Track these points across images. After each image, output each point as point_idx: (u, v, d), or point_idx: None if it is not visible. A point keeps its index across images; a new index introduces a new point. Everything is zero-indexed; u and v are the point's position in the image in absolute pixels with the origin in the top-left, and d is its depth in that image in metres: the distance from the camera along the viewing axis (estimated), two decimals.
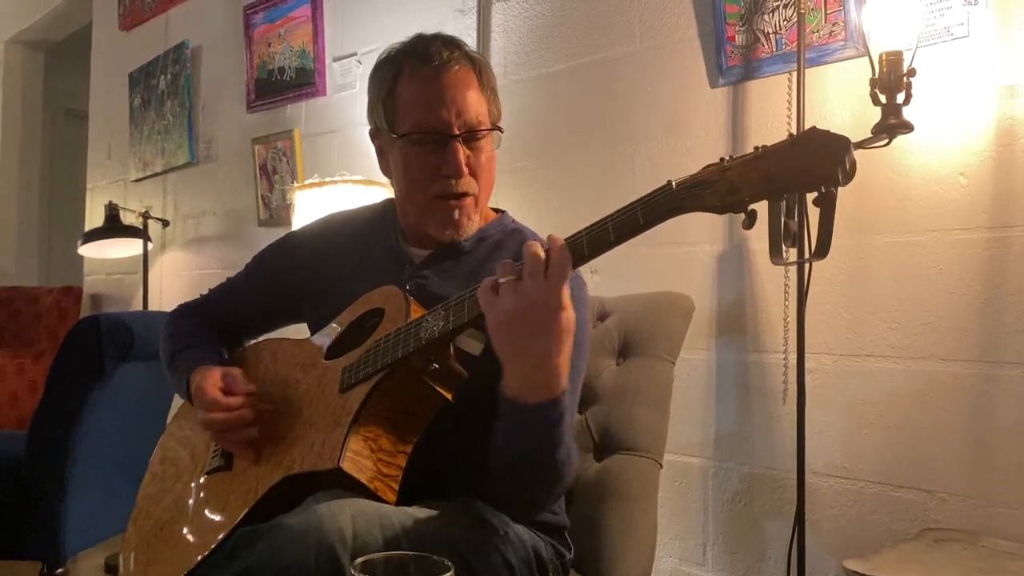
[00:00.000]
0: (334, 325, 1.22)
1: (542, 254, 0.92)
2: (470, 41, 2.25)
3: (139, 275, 3.41)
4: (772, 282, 1.73)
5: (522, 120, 2.18)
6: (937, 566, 1.28)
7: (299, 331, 1.34)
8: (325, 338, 1.22)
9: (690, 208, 0.88)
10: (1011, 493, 1.42)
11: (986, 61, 1.45)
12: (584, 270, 1.22)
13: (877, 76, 1.45)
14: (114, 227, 3.36)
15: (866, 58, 1.48)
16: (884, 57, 1.44)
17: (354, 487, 1.01)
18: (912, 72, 1.42)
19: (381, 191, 2.20)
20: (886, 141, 1.48)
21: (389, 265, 1.26)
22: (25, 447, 2.00)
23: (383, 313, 1.15)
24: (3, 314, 3.72)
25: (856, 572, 1.25)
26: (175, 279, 3.49)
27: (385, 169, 1.29)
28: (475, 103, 1.19)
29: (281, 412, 1.17)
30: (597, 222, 0.94)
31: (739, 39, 1.78)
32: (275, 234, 2.79)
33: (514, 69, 2.24)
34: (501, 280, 0.94)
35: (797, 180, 0.82)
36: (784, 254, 0.92)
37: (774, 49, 1.72)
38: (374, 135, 1.29)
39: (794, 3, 1.65)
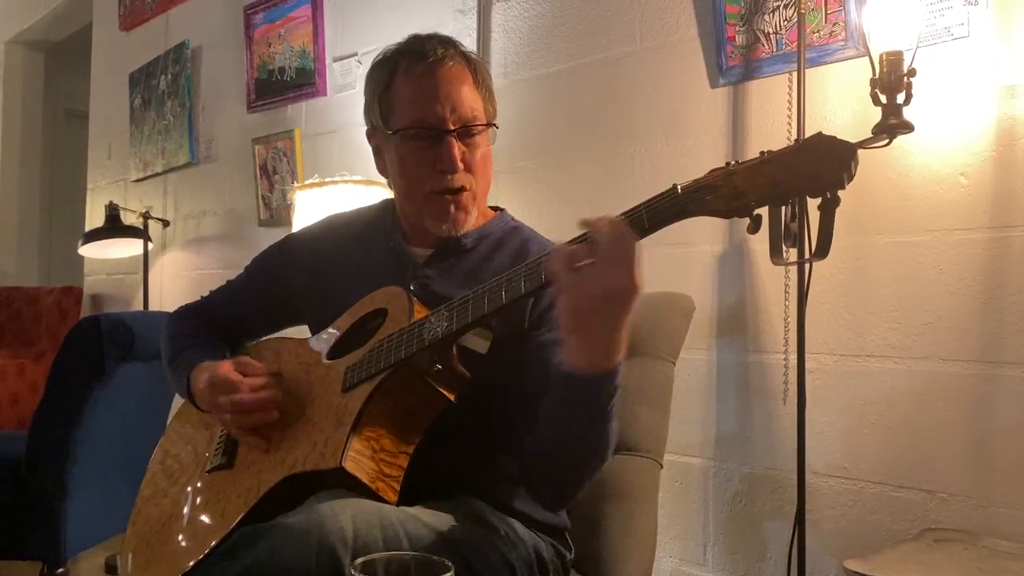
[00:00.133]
0: (332, 331, 1.22)
1: (626, 237, 0.89)
2: (470, 41, 2.27)
3: (139, 275, 3.42)
4: (772, 282, 1.73)
5: (522, 120, 2.18)
6: (938, 566, 1.28)
7: (300, 332, 1.34)
8: (323, 344, 1.22)
9: (695, 212, 0.88)
10: (1012, 493, 1.42)
11: (986, 61, 1.45)
12: None
13: (877, 76, 1.45)
14: (114, 227, 3.36)
15: (866, 58, 1.48)
16: (884, 57, 1.44)
17: (356, 487, 1.01)
18: (912, 72, 1.42)
19: (381, 191, 2.20)
20: (886, 141, 1.48)
21: (391, 266, 1.26)
22: (25, 447, 2.00)
23: (386, 313, 1.15)
24: (3, 314, 3.72)
25: (856, 572, 1.25)
26: (175, 279, 3.50)
27: (382, 168, 1.29)
28: (470, 99, 1.19)
29: (284, 411, 1.17)
30: None
31: (739, 39, 1.78)
32: (275, 234, 2.79)
33: (514, 69, 2.24)
34: (581, 263, 0.90)
35: (803, 185, 0.82)
36: (784, 254, 0.92)
37: (774, 49, 1.72)
38: (371, 134, 1.29)
39: (794, 3, 1.65)
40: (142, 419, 2.21)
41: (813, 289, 1.61)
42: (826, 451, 1.64)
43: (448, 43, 1.22)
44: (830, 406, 1.64)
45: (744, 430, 1.78)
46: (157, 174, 3.62)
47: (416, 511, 1.04)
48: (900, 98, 1.43)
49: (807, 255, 1.46)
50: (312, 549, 0.88)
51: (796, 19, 1.62)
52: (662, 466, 1.42)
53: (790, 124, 1.67)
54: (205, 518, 1.16)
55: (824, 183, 0.81)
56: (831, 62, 1.64)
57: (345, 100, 2.74)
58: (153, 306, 3.42)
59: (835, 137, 0.81)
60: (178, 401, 1.42)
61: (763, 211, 0.86)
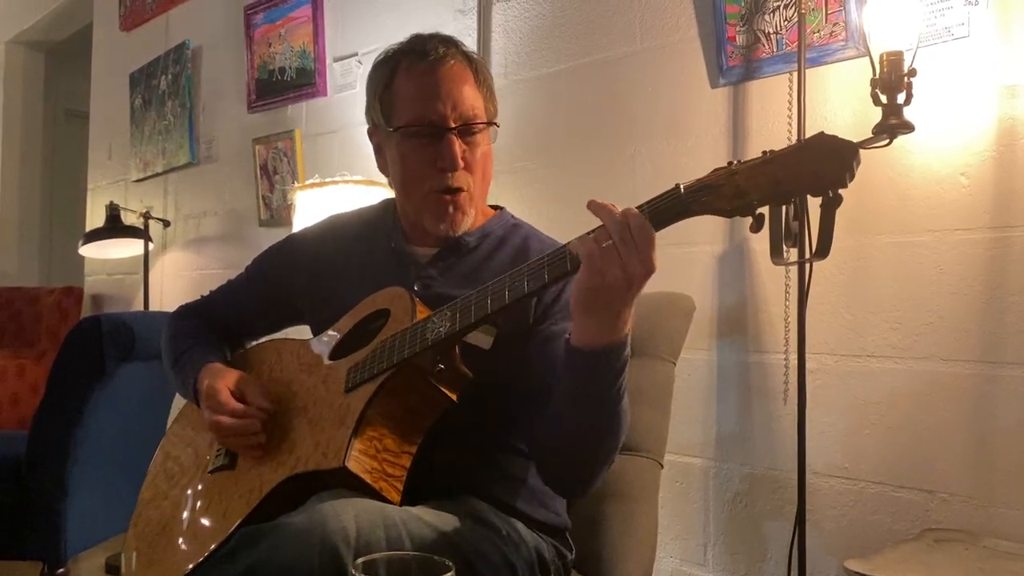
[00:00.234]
0: (332, 333, 1.22)
1: (650, 230, 0.90)
2: (470, 41, 2.27)
3: (140, 275, 3.42)
4: (773, 282, 1.73)
5: (522, 120, 2.18)
6: (938, 566, 1.28)
7: (301, 332, 1.34)
8: (325, 345, 1.22)
9: (697, 212, 0.88)
10: (1012, 493, 1.42)
11: (987, 61, 1.45)
12: None
13: (878, 76, 1.45)
14: (115, 227, 3.36)
15: (867, 58, 1.48)
16: (885, 57, 1.44)
17: (359, 487, 1.01)
18: (913, 72, 1.42)
19: (382, 191, 2.20)
20: (887, 141, 1.48)
21: (392, 266, 1.26)
22: (26, 447, 2.00)
23: (389, 314, 1.15)
24: (4, 315, 3.72)
25: (857, 572, 1.25)
26: (176, 279, 3.50)
27: (383, 167, 1.29)
28: (471, 97, 1.19)
29: (286, 411, 1.17)
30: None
31: (740, 39, 1.78)
32: (276, 234, 2.79)
33: (514, 69, 2.24)
34: (605, 244, 0.91)
35: (805, 184, 0.83)
36: (785, 254, 0.92)
37: (775, 49, 1.72)
38: (372, 133, 1.29)
39: (795, 3, 1.65)
40: (142, 419, 2.21)
41: (814, 289, 1.61)
42: (827, 451, 1.64)
43: (450, 42, 1.22)
44: (831, 406, 1.64)
45: (744, 430, 1.78)
46: (157, 174, 3.62)
47: (418, 511, 1.04)
48: (900, 98, 1.43)
49: (808, 255, 1.46)
50: (315, 549, 0.88)
51: (796, 19, 1.62)
52: (662, 466, 1.42)
53: (790, 124, 1.67)
54: (207, 519, 1.16)
55: (826, 182, 0.81)
56: (831, 62, 1.64)
57: (345, 100, 2.74)
58: (154, 306, 3.42)
59: (837, 136, 0.81)
60: (178, 401, 1.42)
61: (765, 210, 0.87)
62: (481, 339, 1.08)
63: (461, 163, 1.18)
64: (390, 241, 1.29)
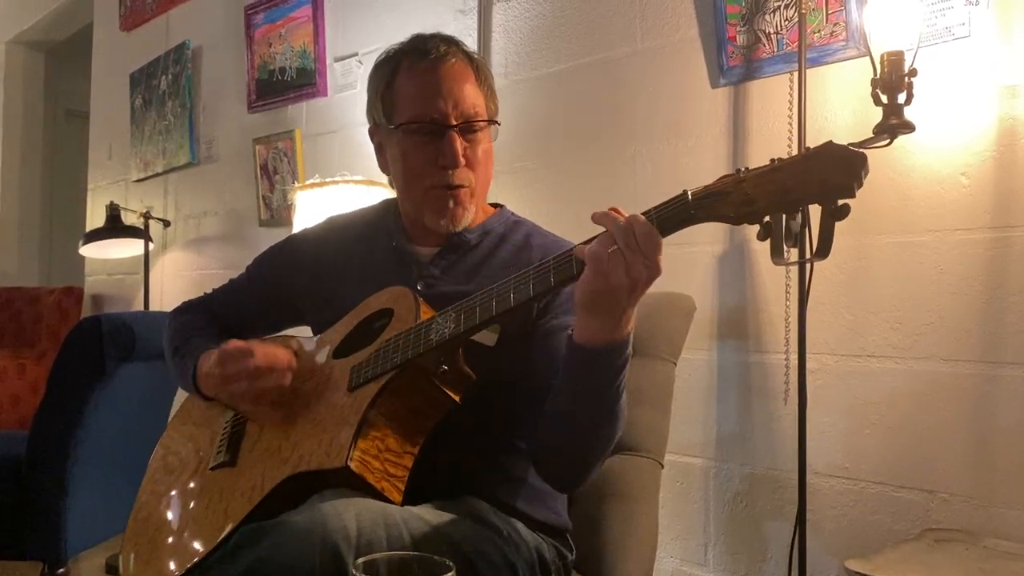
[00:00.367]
0: (334, 338, 1.22)
1: (657, 236, 0.90)
2: (471, 41, 2.27)
3: (140, 275, 3.42)
4: (773, 282, 1.73)
5: (523, 120, 2.18)
6: (938, 566, 1.28)
7: (302, 332, 1.34)
8: (328, 344, 1.22)
9: (704, 219, 0.89)
10: (1013, 493, 1.42)
11: (987, 61, 1.46)
12: None
13: (878, 76, 1.45)
14: (115, 227, 3.36)
15: (867, 58, 1.48)
16: (885, 57, 1.44)
17: (361, 487, 1.01)
18: (913, 72, 1.42)
19: (382, 191, 2.20)
20: (887, 141, 1.48)
21: (394, 266, 1.26)
22: (26, 447, 2.00)
23: (392, 314, 1.15)
24: (4, 315, 3.72)
25: (857, 572, 1.25)
26: (176, 279, 3.50)
27: (384, 165, 1.29)
28: (472, 95, 1.20)
29: (289, 409, 1.17)
30: None
31: (740, 39, 1.78)
32: (276, 234, 2.79)
33: (515, 69, 2.24)
34: (610, 249, 0.91)
35: (813, 193, 0.83)
36: (785, 254, 0.92)
37: (775, 49, 1.72)
38: (373, 132, 1.29)
39: (795, 3, 1.65)
40: (143, 419, 2.21)
41: (814, 289, 1.61)
42: (827, 451, 1.64)
43: (451, 41, 1.23)
44: (831, 406, 1.64)
45: (745, 430, 1.78)
46: (158, 174, 3.62)
47: (419, 510, 1.04)
48: (901, 98, 1.43)
49: (808, 255, 1.46)
50: (316, 548, 0.88)
51: (797, 19, 1.62)
52: (663, 466, 1.42)
53: (791, 124, 1.67)
54: (208, 517, 1.16)
55: (834, 191, 0.81)
56: (832, 62, 1.64)
57: (346, 100, 2.74)
58: (154, 306, 3.42)
59: (846, 146, 0.81)
60: (179, 401, 1.42)
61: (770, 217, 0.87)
62: (485, 336, 1.09)
63: (462, 160, 1.18)
64: (391, 240, 1.29)
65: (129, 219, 3.44)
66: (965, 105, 1.48)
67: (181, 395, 1.40)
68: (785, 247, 0.91)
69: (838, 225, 0.86)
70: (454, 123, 1.18)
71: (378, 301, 1.19)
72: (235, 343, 1.18)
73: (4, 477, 2.00)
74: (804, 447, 1.58)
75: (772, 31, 1.72)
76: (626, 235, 0.90)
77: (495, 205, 1.34)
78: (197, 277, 3.38)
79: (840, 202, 0.83)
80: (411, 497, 1.05)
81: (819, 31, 1.63)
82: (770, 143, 1.72)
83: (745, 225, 0.89)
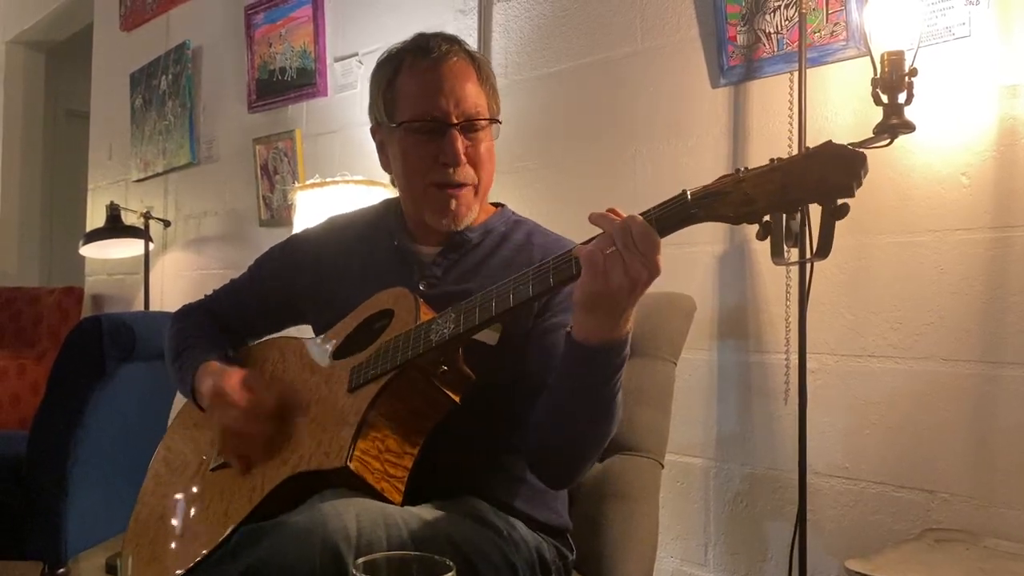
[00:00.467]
0: (335, 338, 1.22)
1: (655, 236, 0.90)
2: (471, 41, 2.26)
3: (140, 275, 3.42)
4: (774, 282, 1.73)
5: (523, 120, 2.18)
6: (939, 566, 1.28)
7: (303, 332, 1.34)
8: (328, 344, 1.22)
9: (704, 219, 0.89)
10: (1013, 493, 1.42)
11: (988, 61, 1.45)
12: None
13: (879, 76, 1.45)
14: (115, 227, 3.36)
15: (868, 58, 1.48)
16: (886, 57, 1.44)
17: (360, 487, 1.01)
18: (914, 72, 1.42)
19: (382, 191, 2.20)
20: (888, 141, 1.48)
21: (395, 265, 1.26)
22: (26, 447, 2.00)
23: (392, 314, 1.15)
24: (4, 315, 3.72)
25: (858, 572, 1.25)
26: (176, 279, 3.50)
27: (385, 164, 1.30)
28: (474, 94, 1.20)
29: (289, 410, 1.17)
30: None
31: (740, 39, 1.78)
32: (276, 234, 2.79)
33: (515, 69, 2.24)
34: (607, 251, 0.91)
35: (812, 192, 0.83)
36: (786, 254, 0.92)
37: (775, 49, 1.72)
38: (375, 131, 1.30)
39: (795, 3, 1.65)
40: (143, 419, 2.21)
41: (814, 289, 1.61)
42: (827, 451, 1.64)
43: (453, 40, 1.23)
44: (831, 406, 1.64)
45: (745, 430, 1.77)
46: (158, 174, 3.62)
47: (419, 510, 1.04)
48: (901, 98, 1.43)
49: (808, 255, 1.46)
50: (316, 548, 0.88)
51: (797, 19, 1.62)
52: (663, 466, 1.42)
53: (791, 124, 1.67)
54: (208, 517, 1.16)
55: (833, 190, 0.81)
56: (832, 62, 1.64)
57: (346, 100, 2.74)
58: (154, 306, 3.42)
59: (845, 145, 0.81)
60: (179, 401, 1.42)
61: (769, 217, 0.87)
62: (487, 334, 1.09)
63: (463, 158, 1.18)
64: (393, 240, 1.29)
65: (129, 219, 3.44)
66: (965, 105, 1.48)
67: (181, 396, 1.40)
68: (785, 247, 0.91)
69: (838, 225, 0.86)
70: (455, 121, 1.18)
71: (378, 302, 1.19)
72: (226, 384, 1.18)
73: (4, 477, 2.00)
74: (804, 447, 1.58)
75: (772, 31, 1.72)
76: (624, 235, 0.90)
77: (496, 204, 1.34)
78: (197, 277, 3.38)
79: (840, 201, 0.83)
80: (411, 497, 1.05)
81: (819, 31, 1.63)
82: (770, 143, 1.72)
83: (745, 225, 0.89)
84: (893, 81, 1.43)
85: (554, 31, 2.15)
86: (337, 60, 2.78)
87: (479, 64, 1.23)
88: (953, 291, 1.50)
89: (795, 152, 1.48)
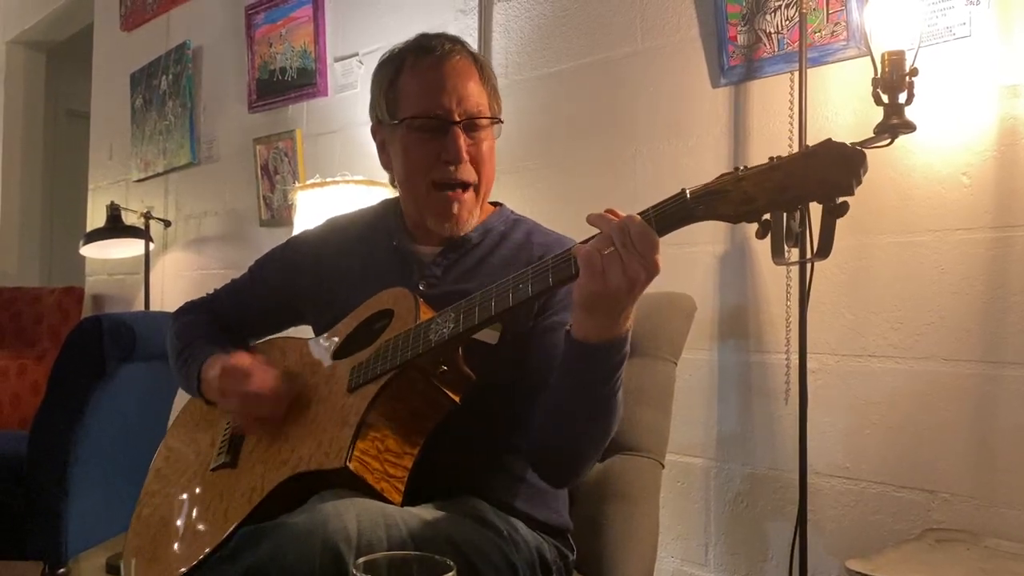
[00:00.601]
0: (334, 338, 1.22)
1: (653, 235, 0.90)
2: (471, 41, 2.25)
3: (141, 275, 3.42)
4: (774, 282, 1.73)
5: (523, 120, 2.18)
6: (940, 566, 1.28)
7: (304, 332, 1.34)
8: (329, 345, 1.22)
9: (703, 217, 0.88)
10: (1014, 493, 1.42)
11: (988, 61, 1.45)
12: None
13: (879, 76, 1.45)
14: (116, 227, 3.36)
15: (868, 58, 1.48)
16: (886, 57, 1.44)
17: (360, 487, 1.01)
18: (914, 72, 1.42)
19: (382, 191, 2.20)
20: (888, 141, 1.48)
21: (395, 265, 1.26)
22: (27, 447, 2.00)
23: (392, 314, 1.15)
24: (5, 315, 3.72)
25: (858, 572, 1.25)
26: (177, 279, 3.50)
27: (386, 163, 1.29)
28: (476, 93, 1.20)
29: (289, 410, 1.17)
30: None
31: (741, 39, 1.77)
32: (276, 234, 2.79)
33: (515, 69, 2.24)
34: (605, 251, 0.91)
35: (812, 191, 0.83)
36: (786, 254, 0.92)
37: (776, 49, 1.72)
38: (375, 130, 1.29)
39: (796, 3, 1.64)
40: (143, 419, 2.21)
41: (815, 289, 1.60)
42: (828, 451, 1.64)
43: (455, 40, 1.24)
44: (832, 406, 1.64)
45: (746, 430, 1.77)
46: (158, 174, 3.62)
47: (419, 511, 1.04)
48: (902, 98, 1.43)
49: (809, 255, 1.46)
50: (316, 549, 0.88)
51: (798, 19, 1.62)
52: (663, 466, 1.42)
53: (792, 124, 1.67)
54: (208, 517, 1.16)
55: (833, 189, 0.81)
56: (833, 62, 1.63)
57: (346, 100, 2.74)
58: (154, 306, 3.42)
59: (845, 144, 0.81)
60: (179, 401, 1.42)
61: (769, 215, 0.87)
62: (487, 334, 1.09)
63: (465, 156, 1.18)
64: (392, 240, 1.29)
65: (130, 219, 3.44)
66: (966, 105, 1.48)
67: (182, 395, 1.40)
68: (786, 247, 0.91)
69: (839, 225, 0.86)
70: (458, 119, 1.18)
71: (378, 302, 1.19)
72: (237, 360, 1.19)
73: (5, 477, 2.00)
74: (805, 447, 1.57)
75: (773, 31, 1.72)
76: (622, 235, 0.90)
77: (495, 204, 1.34)
78: (198, 277, 3.38)
79: (840, 200, 0.83)
80: (411, 497, 1.05)
81: (820, 31, 1.63)
82: (771, 143, 1.71)
83: (745, 224, 0.88)
84: (894, 81, 1.43)
85: (554, 31, 2.15)
86: (337, 60, 2.78)
87: (481, 64, 1.23)
88: (954, 291, 1.49)
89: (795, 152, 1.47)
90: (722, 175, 0.88)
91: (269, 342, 1.38)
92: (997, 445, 1.44)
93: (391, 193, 1.40)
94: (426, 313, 1.11)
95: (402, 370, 1.05)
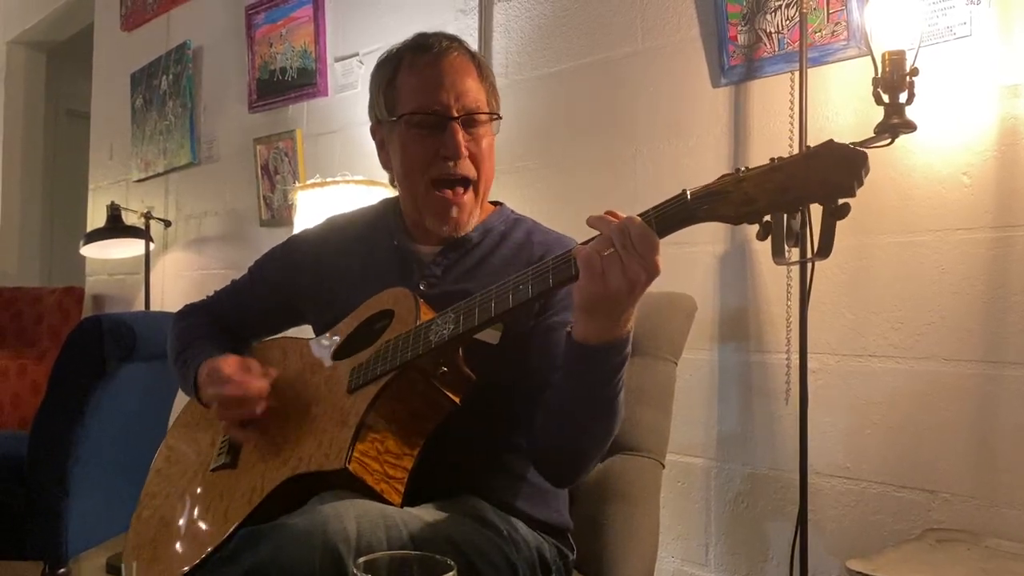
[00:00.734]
0: (335, 337, 1.22)
1: (653, 236, 0.90)
2: (472, 41, 2.26)
3: (141, 275, 3.42)
4: (775, 282, 1.73)
5: (523, 120, 2.18)
6: (940, 566, 1.28)
7: (304, 332, 1.34)
8: (329, 345, 1.22)
9: (704, 218, 0.88)
10: (1014, 493, 1.42)
11: (989, 61, 1.45)
12: None
13: (880, 75, 1.45)
14: (116, 227, 3.36)
15: (868, 57, 1.48)
16: (887, 56, 1.44)
17: (360, 488, 1.01)
18: (915, 71, 1.42)
19: (382, 191, 2.20)
20: (889, 141, 1.48)
21: (395, 265, 1.26)
22: (27, 447, 2.00)
23: (393, 315, 1.15)
24: (5, 315, 3.72)
25: (859, 572, 1.25)
26: (177, 279, 3.50)
27: (385, 163, 1.29)
28: (474, 90, 1.20)
29: (289, 410, 1.17)
30: None
31: (741, 39, 1.77)
32: (277, 234, 2.79)
33: (516, 69, 2.23)
34: (605, 252, 0.91)
35: (813, 192, 0.83)
36: (787, 254, 0.92)
37: (776, 49, 1.72)
38: (375, 130, 1.29)
39: (796, 2, 1.64)
40: (144, 419, 2.21)
41: (815, 289, 1.60)
42: (828, 451, 1.64)
43: (453, 38, 1.24)
44: (832, 406, 1.64)
45: (746, 430, 1.77)
46: (159, 174, 3.62)
47: (419, 511, 1.04)
48: (902, 97, 1.43)
49: (809, 255, 1.46)
50: (316, 550, 0.88)
51: (798, 18, 1.61)
52: (664, 466, 1.42)
53: (792, 124, 1.67)
54: (208, 518, 1.16)
55: (834, 190, 0.81)
56: (833, 61, 1.63)
57: (347, 100, 2.74)
58: (155, 306, 3.42)
59: (846, 145, 0.81)
60: (179, 402, 1.42)
61: (770, 216, 0.87)
62: (488, 335, 1.08)
63: (464, 151, 1.18)
64: (392, 239, 1.29)
65: (130, 219, 3.44)
66: (966, 105, 1.48)
67: (182, 395, 1.40)
68: (786, 247, 0.91)
69: (839, 225, 0.86)
70: (456, 115, 1.18)
71: (379, 302, 1.19)
72: (220, 363, 1.18)
73: (5, 477, 2.00)
74: (805, 447, 1.57)
75: (773, 30, 1.72)
76: (622, 237, 0.90)
77: (495, 203, 1.34)
78: (198, 277, 3.38)
79: (841, 201, 0.83)
80: (411, 497, 1.05)
81: (820, 30, 1.63)
82: (771, 143, 1.71)
83: (745, 225, 0.88)
84: (894, 81, 1.43)
85: (555, 31, 2.15)
86: (338, 60, 2.78)
87: (479, 61, 1.23)
88: (954, 291, 1.49)
89: (796, 152, 1.48)
90: (723, 176, 0.88)
91: (270, 343, 1.38)
92: (998, 445, 1.44)
93: (391, 193, 1.40)
94: (426, 313, 1.11)
95: (402, 371, 1.05)
